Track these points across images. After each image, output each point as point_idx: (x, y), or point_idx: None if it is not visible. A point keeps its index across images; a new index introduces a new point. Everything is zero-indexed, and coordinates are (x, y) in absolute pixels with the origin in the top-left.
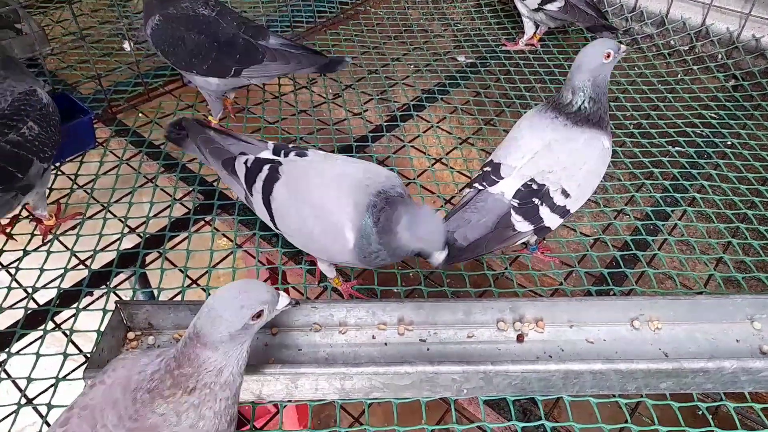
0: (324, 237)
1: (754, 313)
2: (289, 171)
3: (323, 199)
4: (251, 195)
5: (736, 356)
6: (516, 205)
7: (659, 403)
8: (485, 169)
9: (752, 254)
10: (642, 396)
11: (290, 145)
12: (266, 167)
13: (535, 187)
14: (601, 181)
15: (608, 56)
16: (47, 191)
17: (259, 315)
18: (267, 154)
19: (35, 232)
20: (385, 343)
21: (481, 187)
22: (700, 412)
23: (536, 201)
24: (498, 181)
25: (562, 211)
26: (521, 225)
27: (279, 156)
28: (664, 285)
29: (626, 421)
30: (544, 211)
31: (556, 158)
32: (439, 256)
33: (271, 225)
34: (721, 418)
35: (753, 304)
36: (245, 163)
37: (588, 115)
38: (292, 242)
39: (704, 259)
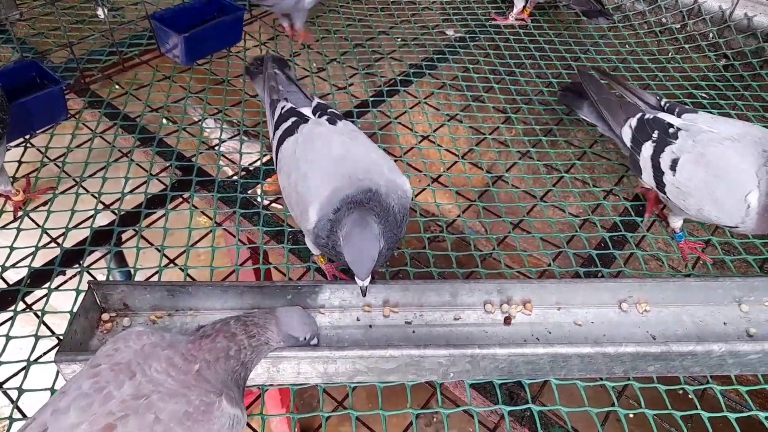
0: (297, 207)
1: (741, 295)
2: (305, 131)
3: (310, 172)
4: (273, 140)
5: (724, 339)
6: (645, 117)
7: (646, 386)
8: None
9: (739, 236)
10: (629, 379)
11: (330, 110)
12: (292, 119)
13: (671, 130)
14: (590, 161)
15: None
16: (5, 167)
17: (308, 339)
18: (306, 110)
19: (5, 209)
20: (370, 326)
21: (662, 102)
22: (689, 396)
23: (655, 134)
24: (667, 111)
25: (656, 173)
26: (626, 130)
27: (314, 115)
28: (651, 266)
29: (613, 404)
30: (647, 149)
31: (708, 144)
32: (360, 283)
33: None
34: (707, 400)
35: (741, 287)
36: (282, 108)
37: None
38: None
39: (693, 241)
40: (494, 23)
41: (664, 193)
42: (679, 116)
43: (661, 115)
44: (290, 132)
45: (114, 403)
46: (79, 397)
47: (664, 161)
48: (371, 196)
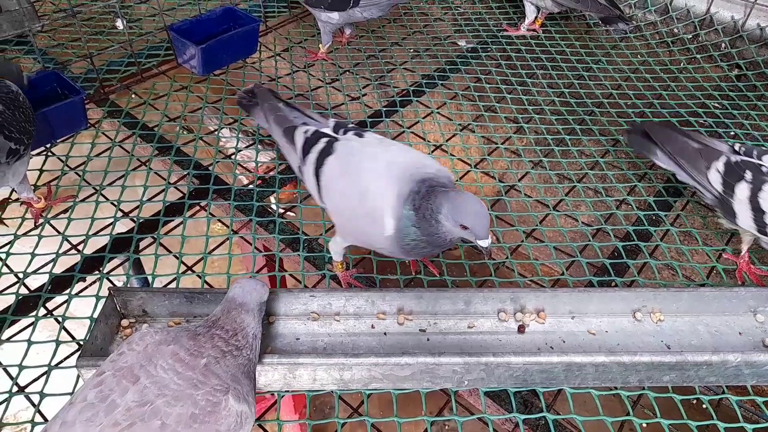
0: (364, 220)
1: (757, 305)
2: (342, 148)
3: (369, 183)
4: (304, 165)
5: (739, 349)
6: (731, 160)
7: (661, 396)
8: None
9: (754, 247)
10: (644, 388)
11: (350, 124)
12: (323, 140)
13: (764, 169)
14: (602, 171)
15: None
16: (27, 174)
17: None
18: (327, 130)
19: (26, 216)
20: (385, 333)
21: (735, 147)
22: (703, 406)
23: (747, 174)
24: (745, 154)
25: (755, 214)
26: (713, 176)
27: (338, 133)
28: (665, 276)
29: (628, 414)
30: (742, 191)
31: None
32: (485, 243)
33: (316, 198)
34: (723, 411)
35: (756, 297)
36: (305, 133)
37: None
38: (332, 219)
39: (707, 251)
40: (506, 34)
41: (767, 234)
42: (759, 158)
43: (745, 158)
44: (327, 152)
45: (119, 412)
46: (84, 409)
47: (765, 200)
48: (432, 182)
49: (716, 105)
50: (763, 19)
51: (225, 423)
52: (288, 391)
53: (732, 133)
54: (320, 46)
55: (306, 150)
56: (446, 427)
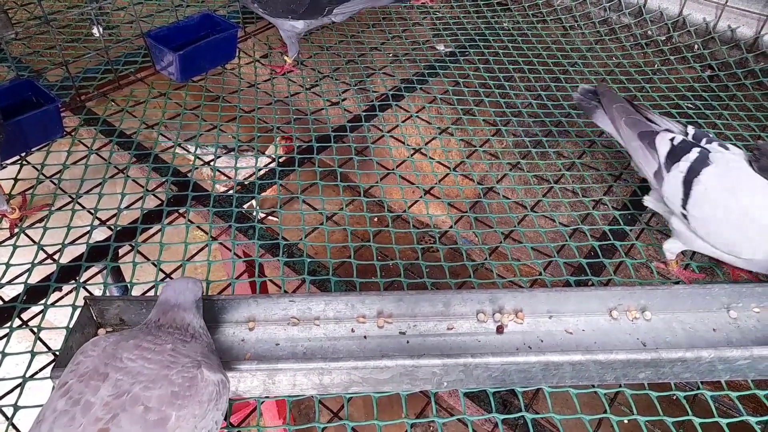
0: (749, 235)
1: (730, 302)
2: (720, 160)
3: (760, 199)
4: (667, 171)
5: (713, 345)
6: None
7: (638, 393)
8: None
9: None
10: (620, 386)
11: (710, 134)
12: (696, 150)
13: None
14: (579, 172)
15: None
16: (1, 185)
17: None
18: (690, 139)
19: (0, 226)
20: (365, 336)
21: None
22: (676, 398)
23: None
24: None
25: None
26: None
27: (700, 142)
28: (642, 274)
29: (605, 411)
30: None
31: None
32: None
33: (675, 204)
34: (698, 406)
35: (729, 294)
36: (671, 140)
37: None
38: (694, 225)
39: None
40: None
41: None
42: None
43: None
44: (702, 163)
45: (97, 408)
46: (58, 417)
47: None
48: None
49: (689, 105)
50: (733, 21)
51: (206, 393)
52: (268, 397)
53: None
54: (286, 58)
55: (673, 157)
56: (430, 429)
